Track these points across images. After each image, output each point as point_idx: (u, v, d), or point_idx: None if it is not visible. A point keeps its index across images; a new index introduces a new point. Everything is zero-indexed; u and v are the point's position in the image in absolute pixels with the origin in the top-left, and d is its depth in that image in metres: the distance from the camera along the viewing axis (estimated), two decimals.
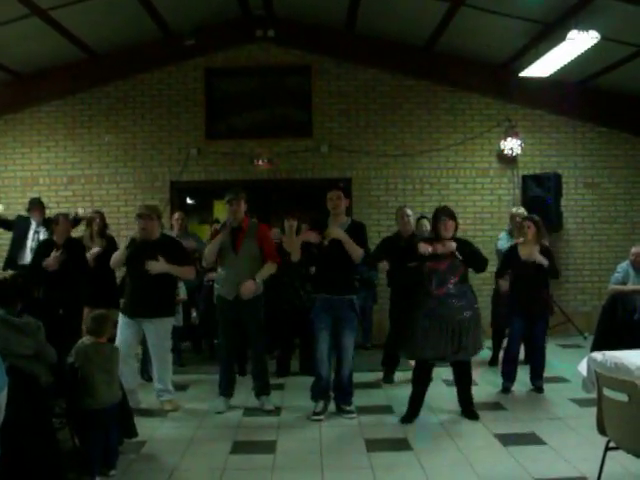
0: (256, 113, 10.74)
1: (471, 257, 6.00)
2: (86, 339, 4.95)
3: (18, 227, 8.79)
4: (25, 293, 5.33)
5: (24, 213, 8.93)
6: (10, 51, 9.03)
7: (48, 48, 9.26)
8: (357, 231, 6.24)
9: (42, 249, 7.57)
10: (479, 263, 6.07)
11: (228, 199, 6.35)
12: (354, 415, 6.15)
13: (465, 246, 6.02)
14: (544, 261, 6.72)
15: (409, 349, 6.11)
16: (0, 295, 4.72)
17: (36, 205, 8.72)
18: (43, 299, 7.28)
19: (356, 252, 6.09)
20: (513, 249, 6.99)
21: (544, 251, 6.85)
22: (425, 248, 5.84)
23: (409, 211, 7.58)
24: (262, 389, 6.54)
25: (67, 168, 10.31)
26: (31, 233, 8.62)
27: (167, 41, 10.04)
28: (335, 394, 6.36)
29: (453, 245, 5.90)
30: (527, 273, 6.79)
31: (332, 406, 6.38)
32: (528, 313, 6.83)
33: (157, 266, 6.14)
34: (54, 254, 7.25)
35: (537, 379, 6.94)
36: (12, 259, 8.64)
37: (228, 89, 10.67)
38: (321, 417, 6.16)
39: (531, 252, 6.74)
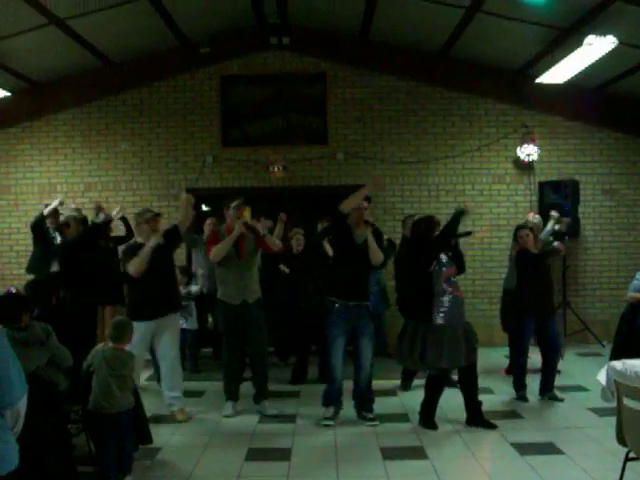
0: (271, 120, 10.78)
1: (461, 260, 6.24)
2: (104, 344, 4.97)
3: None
4: (37, 301, 5.34)
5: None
6: (28, 60, 9.10)
7: (65, 57, 9.33)
8: (378, 237, 6.39)
9: (64, 251, 7.70)
10: (464, 267, 6.31)
11: (235, 205, 6.51)
12: (376, 422, 6.14)
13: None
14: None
15: (425, 360, 5.96)
16: (1, 312, 4.68)
17: (51, 214, 8.75)
18: (63, 304, 7.37)
19: (378, 255, 6.18)
20: (523, 251, 7.03)
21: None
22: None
23: None
24: (262, 394, 6.57)
25: (84, 175, 10.37)
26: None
27: (183, 49, 10.09)
28: (355, 401, 6.35)
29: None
30: (537, 270, 6.88)
31: (347, 413, 6.36)
32: (538, 310, 6.83)
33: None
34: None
35: (547, 390, 6.87)
36: (38, 265, 8.64)
37: (243, 96, 10.70)
38: (331, 422, 6.16)
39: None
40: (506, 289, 8.15)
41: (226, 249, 6.32)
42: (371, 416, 6.21)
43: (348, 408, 6.40)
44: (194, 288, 8.23)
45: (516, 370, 7.03)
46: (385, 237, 7.11)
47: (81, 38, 8.74)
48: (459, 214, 6.18)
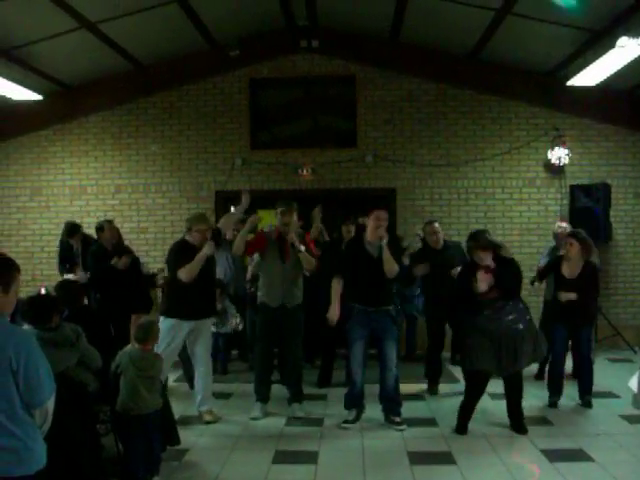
0: (300, 123, 10.78)
1: (507, 284, 5.89)
2: (131, 345, 5.02)
3: (65, 249, 8.94)
4: (68, 302, 5.40)
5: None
6: (59, 63, 9.22)
7: (96, 60, 9.42)
8: (396, 244, 6.35)
9: (96, 257, 7.84)
10: (510, 292, 5.92)
11: (282, 210, 6.42)
12: (404, 427, 6.12)
13: (506, 273, 5.91)
14: (573, 297, 6.59)
15: (465, 360, 6.07)
16: (31, 313, 4.75)
17: (75, 231, 8.80)
18: (96, 307, 7.48)
19: (392, 267, 6.12)
20: (557, 263, 6.87)
21: (588, 268, 6.71)
22: (483, 286, 5.84)
23: (437, 225, 7.61)
24: (295, 396, 6.60)
25: (114, 177, 10.47)
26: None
27: (212, 52, 10.14)
28: (383, 405, 6.34)
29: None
30: (569, 287, 6.66)
31: (374, 417, 6.35)
32: (571, 320, 6.70)
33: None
34: (124, 259, 7.63)
35: (585, 394, 6.79)
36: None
37: (272, 99, 10.74)
38: (350, 425, 6.18)
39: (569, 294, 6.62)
40: (545, 300, 8.05)
41: (241, 241, 6.41)
42: (398, 420, 6.19)
43: (376, 411, 6.39)
44: (229, 325, 8.22)
45: (552, 376, 6.92)
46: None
47: (112, 41, 8.83)
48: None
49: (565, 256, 6.77)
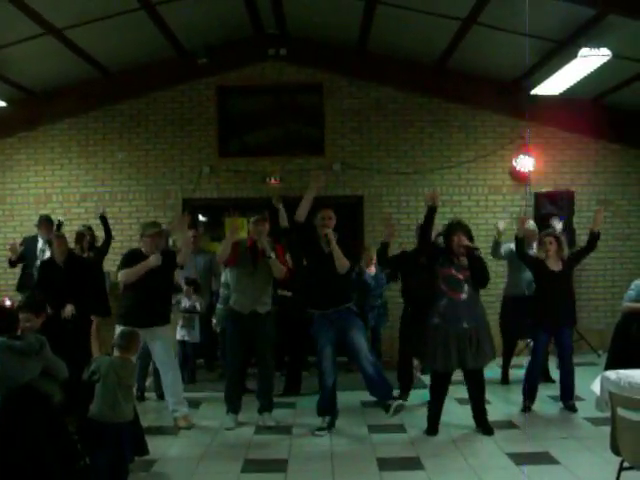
0: (268, 131, 10.81)
1: (479, 272, 6.09)
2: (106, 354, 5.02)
3: (27, 248, 8.80)
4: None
5: (31, 232, 9.01)
6: (25, 69, 9.12)
7: (62, 67, 9.35)
8: (348, 246, 6.36)
9: (44, 270, 7.69)
10: (484, 280, 6.13)
11: (255, 219, 6.45)
12: (400, 401, 6.22)
13: (477, 261, 6.11)
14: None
15: (426, 359, 6.23)
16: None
17: (44, 222, 8.73)
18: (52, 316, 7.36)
19: (342, 262, 6.13)
20: (540, 262, 6.94)
21: (569, 263, 6.96)
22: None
23: None
24: (266, 406, 6.59)
25: (80, 185, 10.37)
26: (38, 252, 8.64)
27: (180, 60, 10.11)
28: (374, 395, 6.38)
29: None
30: (555, 284, 6.77)
31: (339, 421, 6.37)
32: (555, 323, 6.77)
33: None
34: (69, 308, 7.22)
35: (569, 399, 6.84)
36: (27, 279, 8.65)
37: (241, 107, 10.73)
38: (324, 433, 6.18)
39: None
40: (505, 296, 8.16)
41: (226, 248, 6.34)
42: (390, 402, 6.16)
43: (345, 418, 6.43)
44: (189, 303, 8.15)
45: (529, 381, 6.93)
46: None
47: (78, 48, 8.76)
48: (431, 211, 6.28)
49: (545, 255, 6.89)
